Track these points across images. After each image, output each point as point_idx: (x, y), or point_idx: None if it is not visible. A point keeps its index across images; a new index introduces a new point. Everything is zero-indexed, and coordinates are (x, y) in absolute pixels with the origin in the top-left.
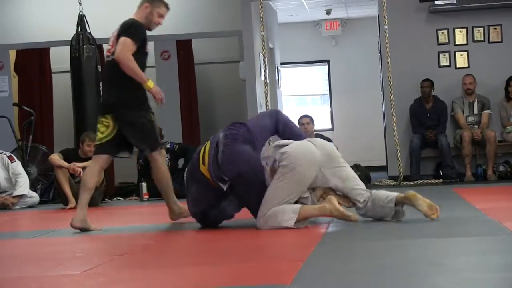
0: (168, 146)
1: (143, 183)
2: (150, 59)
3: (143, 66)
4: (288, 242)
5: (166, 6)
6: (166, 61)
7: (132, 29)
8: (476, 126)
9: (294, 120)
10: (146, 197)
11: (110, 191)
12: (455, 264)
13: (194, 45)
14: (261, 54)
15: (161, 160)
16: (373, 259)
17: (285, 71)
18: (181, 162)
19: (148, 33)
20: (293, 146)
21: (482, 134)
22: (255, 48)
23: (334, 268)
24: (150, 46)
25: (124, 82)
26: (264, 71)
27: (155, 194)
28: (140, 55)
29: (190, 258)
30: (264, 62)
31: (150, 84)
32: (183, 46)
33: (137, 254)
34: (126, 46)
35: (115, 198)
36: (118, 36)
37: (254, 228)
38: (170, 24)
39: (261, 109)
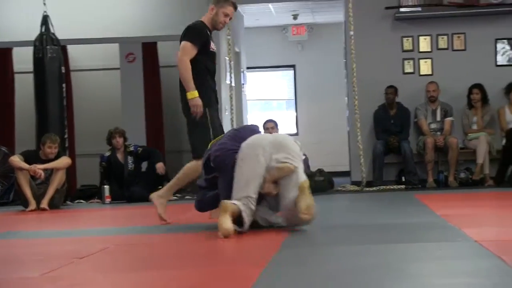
0: (131, 149)
1: (105, 186)
2: (115, 61)
3: (209, 66)
4: (250, 247)
5: (233, 5)
6: (131, 63)
7: (190, 33)
8: (438, 133)
9: (259, 124)
10: (108, 200)
11: (72, 193)
12: (415, 270)
13: (160, 47)
14: (227, 58)
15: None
16: (333, 265)
17: (251, 75)
18: (144, 165)
19: (113, 35)
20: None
21: (444, 141)
22: (221, 52)
23: (294, 273)
24: (115, 48)
25: (182, 87)
26: (230, 75)
27: (117, 197)
28: (203, 56)
29: (150, 262)
30: (230, 66)
31: (191, 95)
32: (149, 48)
33: (97, 257)
34: (184, 50)
35: (76, 201)
36: (180, 41)
37: (216, 232)
38: (136, 26)
39: (226, 113)
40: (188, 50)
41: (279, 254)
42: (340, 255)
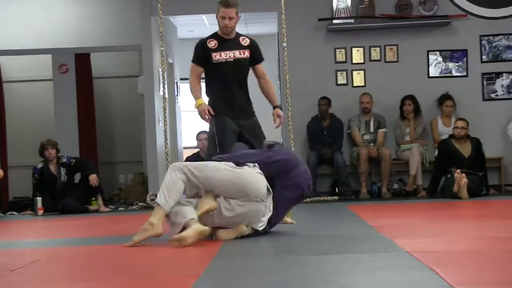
0: (64, 160)
1: (38, 198)
2: (47, 72)
3: (217, 76)
4: (184, 256)
5: (225, 5)
6: (64, 74)
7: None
8: (372, 144)
9: (193, 135)
10: (41, 212)
11: (4, 205)
12: (347, 281)
13: (93, 59)
14: (160, 69)
15: None
16: (266, 276)
17: (184, 87)
18: (77, 176)
19: (46, 45)
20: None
21: (377, 152)
22: (154, 63)
23: (228, 284)
24: (48, 59)
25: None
26: (163, 86)
27: (50, 208)
28: (209, 69)
29: (82, 274)
30: (163, 77)
31: (195, 104)
32: (82, 59)
33: (28, 269)
34: (191, 70)
35: (9, 213)
36: None
37: (149, 243)
38: (69, 37)
39: (160, 124)
40: (191, 69)
41: (212, 265)
42: (273, 266)
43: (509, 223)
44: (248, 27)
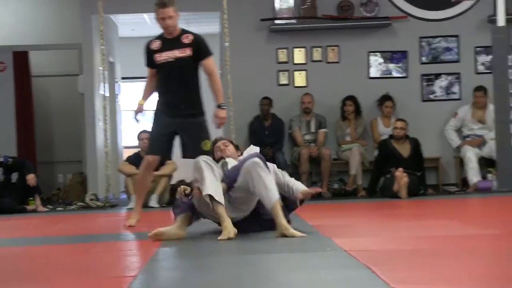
0: (1, 159)
1: None
2: None
3: (164, 74)
4: (121, 257)
5: (161, 6)
6: (1, 72)
7: None
8: (313, 144)
9: (134, 134)
10: None
11: None
12: (284, 280)
13: (32, 57)
14: (100, 68)
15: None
16: (203, 276)
17: (125, 86)
18: (14, 176)
19: None
20: None
21: (318, 152)
22: (95, 62)
23: (166, 284)
24: None
25: None
26: (104, 85)
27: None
28: (156, 69)
29: (18, 274)
30: (104, 76)
31: (139, 102)
32: (20, 57)
33: None
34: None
35: None
36: None
37: (88, 242)
38: (6, 35)
39: (100, 123)
40: (148, 72)
41: (150, 264)
42: (210, 266)
43: (444, 223)
44: (191, 26)
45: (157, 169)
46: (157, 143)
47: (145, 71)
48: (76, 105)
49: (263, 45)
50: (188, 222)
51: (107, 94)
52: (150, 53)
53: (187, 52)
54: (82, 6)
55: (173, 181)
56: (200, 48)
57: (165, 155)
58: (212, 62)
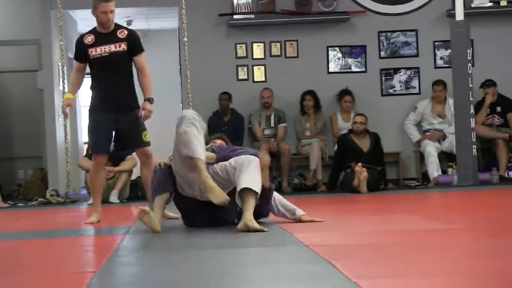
0: None
1: None
2: None
3: (95, 71)
4: (81, 253)
5: (105, 0)
6: None
7: None
8: (272, 139)
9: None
10: None
11: None
12: (246, 274)
13: None
14: (60, 64)
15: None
16: (167, 271)
17: (85, 82)
18: None
19: None
20: None
21: (277, 147)
22: (54, 57)
23: (126, 280)
24: None
25: None
26: (63, 81)
27: None
28: (90, 64)
29: None
30: (63, 72)
31: (64, 97)
32: None
33: None
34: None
35: None
36: None
37: (48, 238)
38: None
39: (59, 119)
40: (74, 65)
41: (113, 259)
42: (174, 261)
43: (405, 217)
44: (150, 21)
45: (117, 164)
46: (102, 140)
47: None
48: (35, 101)
49: (222, 40)
50: (164, 206)
51: (66, 90)
52: (83, 48)
53: (122, 46)
54: (41, 2)
55: (133, 176)
56: (134, 43)
57: (109, 151)
58: (144, 58)
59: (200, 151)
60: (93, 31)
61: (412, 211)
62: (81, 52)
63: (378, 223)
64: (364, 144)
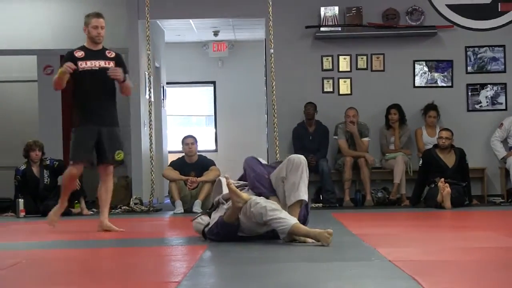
0: (47, 162)
1: (19, 199)
2: (32, 74)
3: (86, 82)
4: (165, 262)
5: (97, 16)
6: (49, 75)
7: None
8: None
9: (179, 139)
10: (22, 214)
11: None
12: None
13: None
14: (146, 73)
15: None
16: (248, 284)
17: (170, 91)
18: (60, 179)
19: (32, 47)
20: None
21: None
22: (141, 67)
23: None
24: (33, 60)
25: None
26: (149, 90)
27: (32, 210)
28: (76, 76)
29: (61, 277)
30: (149, 81)
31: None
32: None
33: (8, 272)
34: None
35: None
36: None
37: (132, 246)
38: (55, 39)
39: (145, 128)
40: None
41: (194, 271)
42: (255, 274)
43: (489, 234)
44: (236, 32)
45: (200, 174)
46: (83, 152)
47: (190, 76)
48: (122, 109)
49: (308, 53)
50: None
51: (152, 99)
52: (73, 60)
53: (111, 64)
54: (129, 11)
55: None
56: (120, 64)
57: (92, 162)
58: (128, 79)
59: (288, 216)
60: (82, 48)
61: (496, 228)
62: (70, 61)
63: (462, 240)
64: (449, 159)
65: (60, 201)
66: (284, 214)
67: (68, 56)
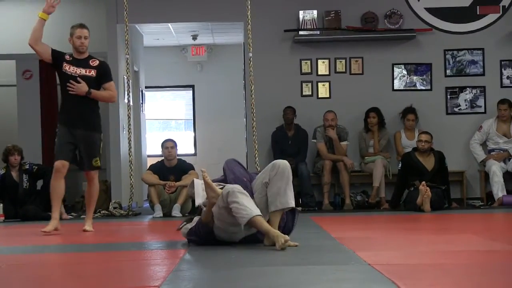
0: (27, 167)
1: None
2: (11, 78)
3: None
4: (144, 266)
5: (80, 26)
6: (28, 80)
7: None
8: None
9: (158, 143)
10: (1, 218)
11: None
12: None
13: None
14: (125, 77)
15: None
16: (227, 287)
17: (149, 95)
18: (39, 183)
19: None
20: None
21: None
22: (120, 71)
23: None
24: (11, 64)
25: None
26: (128, 94)
27: (11, 215)
28: (60, 77)
29: (41, 282)
30: (128, 85)
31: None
32: (46, 65)
33: None
34: None
35: None
36: None
37: (111, 250)
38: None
39: (124, 132)
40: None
41: (172, 275)
42: (234, 278)
43: (469, 237)
44: (215, 36)
45: (179, 179)
46: (65, 149)
47: (169, 80)
48: (100, 113)
49: (287, 56)
50: None
51: (131, 103)
52: (61, 58)
53: (92, 72)
54: (108, 16)
55: None
56: (104, 72)
57: (72, 162)
58: (113, 86)
59: (255, 208)
60: (70, 55)
61: (475, 232)
62: (59, 55)
63: (441, 243)
64: (429, 162)
65: (53, 210)
66: (250, 204)
67: (59, 52)
